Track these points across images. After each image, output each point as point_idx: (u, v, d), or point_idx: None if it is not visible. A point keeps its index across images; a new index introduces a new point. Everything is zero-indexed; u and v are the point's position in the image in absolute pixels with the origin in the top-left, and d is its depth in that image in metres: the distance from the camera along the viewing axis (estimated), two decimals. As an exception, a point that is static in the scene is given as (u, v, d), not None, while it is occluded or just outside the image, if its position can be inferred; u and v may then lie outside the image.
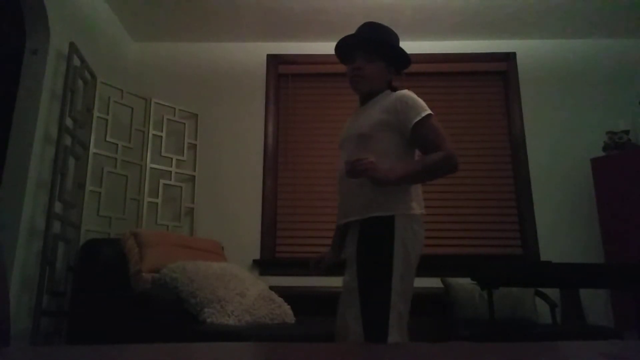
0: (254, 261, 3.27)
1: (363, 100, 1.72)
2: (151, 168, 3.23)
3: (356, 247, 1.52)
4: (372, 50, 1.66)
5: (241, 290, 2.30)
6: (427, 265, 3.28)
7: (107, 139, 3.00)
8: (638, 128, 3.38)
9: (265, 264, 3.30)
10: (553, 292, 3.07)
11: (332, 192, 3.46)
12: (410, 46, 3.73)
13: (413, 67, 3.73)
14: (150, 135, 3.26)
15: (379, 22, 1.88)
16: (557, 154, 3.47)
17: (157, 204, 3.23)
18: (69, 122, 2.74)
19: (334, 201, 3.46)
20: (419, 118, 1.57)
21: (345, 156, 1.61)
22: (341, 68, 3.68)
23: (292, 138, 3.61)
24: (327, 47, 3.66)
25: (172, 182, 3.34)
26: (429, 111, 1.59)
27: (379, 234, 1.51)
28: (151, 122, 3.28)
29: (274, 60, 3.65)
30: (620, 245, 2.95)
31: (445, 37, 3.68)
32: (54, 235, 2.56)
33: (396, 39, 1.77)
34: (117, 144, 3.06)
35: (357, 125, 1.62)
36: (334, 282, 3.13)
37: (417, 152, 1.67)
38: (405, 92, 1.63)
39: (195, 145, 3.54)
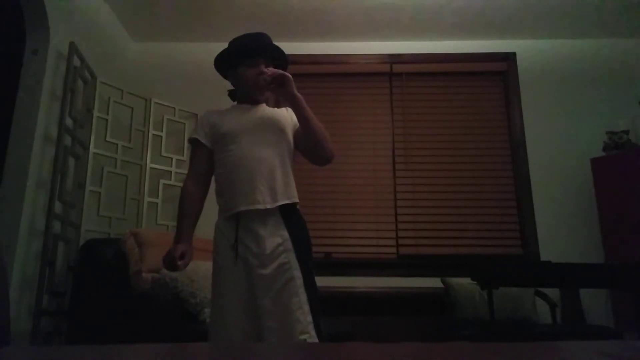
0: (254, 261, 3.26)
1: (249, 101, 1.74)
2: (151, 168, 3.23)
3: (288, 235, 1.52)
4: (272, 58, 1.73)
5: (241, 290, 2.30)
6: (427, 265, 3.31)
7: (107, 139, 3.00)
8: (638, 128, 3.37)
9: (265, 264, 3.30)
10: (553, 292, 3.07)
11: (329, 191, 3.46)
12: (410, 46, 3.73)
13: (413, 67, 3.75)
14: (150, 135, 3.26)
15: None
16: (557, 154, 3.46)
17: (157, 204, 3.23)
18: (69, 122, 2.74)
19: (331, 200, 3.46)
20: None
21: (257, 144, 1.60)
22: (341, 68, 3.69)
23: (292, 138, 3.61)
24: (327, 47, 3.66)
25: (172, 182, 3.34)
26: None
27: (299, 221, 1.59)
28: (151, 122, 3.28)
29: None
30: (620, 245, 2.95)
31: (445, 37, 3.68)
32: (54, 235, 2.56)
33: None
34: (117, 144, 3.06)
35: (274, 118, 1.67)
36: (335, 282, 3.12)
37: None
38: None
39: (195, 145, 3.54)
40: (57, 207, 2.60)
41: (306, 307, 1.46)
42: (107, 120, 3.02)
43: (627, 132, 3.21)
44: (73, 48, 2.76)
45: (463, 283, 2.93)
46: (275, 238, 1.52)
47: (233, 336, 1.44)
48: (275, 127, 1.64)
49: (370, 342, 0.62)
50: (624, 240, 2.93)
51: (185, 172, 3.42)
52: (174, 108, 3.46)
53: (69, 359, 0.55)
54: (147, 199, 3.16)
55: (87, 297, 2.43)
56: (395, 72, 3.71)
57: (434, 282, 3.10)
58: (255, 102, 1.71)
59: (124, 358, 0.55)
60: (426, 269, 3.27)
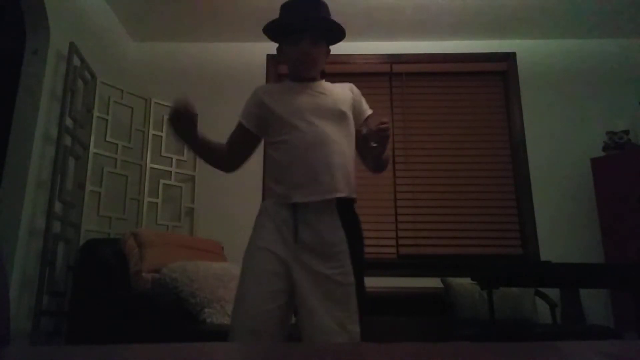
0: (254, 261, 3.26)
1: (300, 79, 1.57)
2: (151, 168, 3.23)
3: (344, 234, 1.40)
4: (319, 32, 1.55)
5: (241, 290, 2.30)
6: (427, 265, 3.30)
7: (107, 139, 3.00)
8: (638, 128, 3.37)
9: (265, 264, 3.30)
10: (553, 292, 3.07)
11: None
12: (410, 46, 3.73)
13: (413, 67, 3.75)
14: (150, 135, 3.26)
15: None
16: (557, 154, 3.46)
17: (157, 204, 3.23)
18: (69, 122, 2.74)
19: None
20: (371, 111, 1.61)
21: (315, 129, 1.43)
22: (341, 68, 3.68)
23: (292, 138, 3.61)
24: (327, 47, 3.66)
25: (172, 182, 3.34)
26: None
27: (355, 218, 1.48)
28: (151, 122, 3.28)
29: (274, 60, 3.65)
30: (620, 245, 2.95)
31: (445, 37, 3.68)
32: (54, 235, 2.56)
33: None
34: (117, 144, 3.06)
35: (334, 100, 1.51)
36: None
37: None
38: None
39: (195, 145, 3.54)
40: (57, 207, 2.60)
41: (355, 317, 1.37)
42: (107, 120, 3.02)
43: (627, 132, 3.21)
44: (73, 48, 2.76)
45: (463, 283, 2.93)
46: (331, 235, 1.39)
47: (257, 317, 1.32)
48: (338, 108, 1.49)
49: (371, 342, 0.62)
50: (624, 240, 2.93)
51: (186, 172, 3.44)
52: (174, 108, 3.45)
53: (69, 359, 0.55)
54: (147, 199, 3.16)
55: (87, 297, 2.42)
56: (395, 72, 3.71)
57: (434, 282, 3.10)
58: (309, 79, 1.55)
59: (124, 358, 0.55)
60: (426, 269, 3.26)
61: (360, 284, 1.42)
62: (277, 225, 1.40)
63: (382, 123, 1.32)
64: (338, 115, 1.48)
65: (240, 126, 1.55)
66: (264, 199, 1.57)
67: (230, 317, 1.39)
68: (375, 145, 1.35)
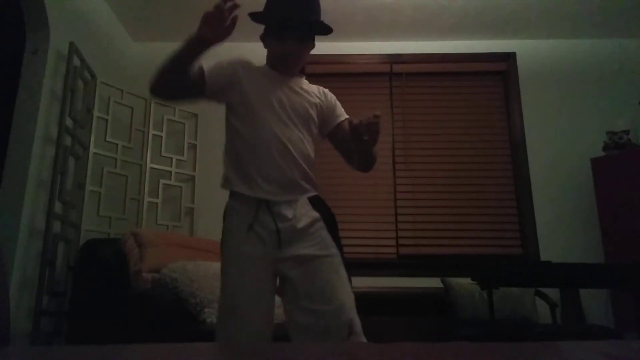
0: (254, 261, 3.26)
1: (284, 70, 1.52)
2: (151, 168, 3.23)
3: (319, 215, 1.41)
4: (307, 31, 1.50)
5: (241, 290, 2.30)
6: (427, 265, 3.30)
7: (107, 139, 3.00)
8: (638, 128, 3.37)
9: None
10: (553, 292, 3.07)
11: (329, 191, 3.46)
12: (410, 46, 3.73)
13: (413, 67, 3.75)
14: (150, 135, 3.26)
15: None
16: (557, 154, 3.46)
17: (157, 204, 3.23)
18: (69, 122, 2.74)
19: (331, 200, 3.45)
20: (347, 117, 1.57)
21: (283, 125, 1.42)
22: (341, 68, 3.68)
23: (292, 138, 3.61)
24: (327, 47, 3.65)
25: (172, 182, 3.34)
26: None
27: (325, 205, 1.47)
28: (151, 122, 3.28)
29: (274, 60, 3.65)
30: (620, 245, 2.95)
31: (445, 37, 3.68)
32: (54, 235, 2.56)
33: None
34: (117, 144, 3.06)
35: (304, 101, 1.49)
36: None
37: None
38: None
39: (195, 145, 3.54)
40: (57, 207, 2.60)
41: (348, 286, 1.35)
42: (107, 120, 3.02)
43: (627, 132, 3.21)
44: (73, 48, 2.76)
45: (463, 283, 2.93)
46: (306, 218, 1.38)
47: (254, 321, 1.31)
48: (307, 112, 1.48)
49: (370, 342, 0.62)
50: (624, 240, 2.93)
51: (186, 172, 3.44)
52: (174, 108, 3.46)
53: (69, 359, 0.55)
54: (147, 199, 3.16)
55: (87, 297, 2.43)
56: (395, 72, 3.71)
57: (434, 282, 3.10)
58: (288, 73, 1.52)
59: (124, 358, 0.55)
60: (426, 269, 3.27)
61: (344, 263, 1.40)
62: (250, 225, 1.36)
63: (375, 116, 1.29)
64: (307, 118, 1.47)
65: (199, 69, 1.45)
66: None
67: (217, 329, 1.34)
68: (365, 138, 1.32)
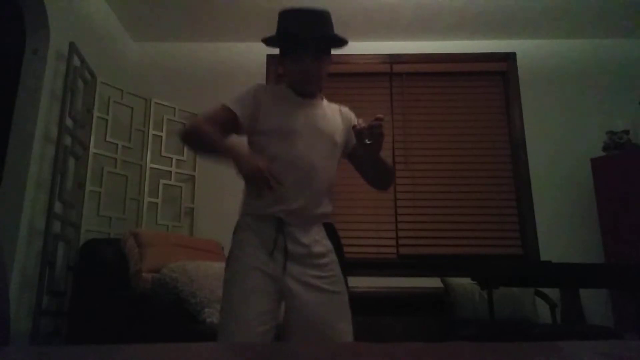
0: (254, 261, 3.26)
1: (305, 92, 1.51)
2: (151, 168, 3.23)
3: (332, 245, 1.42)
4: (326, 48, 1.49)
5: (241, 290, 2.30)
6: (427, 265, 3.30)
7: (107, 139, 3.00)
8: (638, 128, 3.37)
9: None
10: (553, 292, 3.07)
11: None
12: (410, 46, 3.73)
13: (413, 67, 3.75)
14: (150, 135, 3.26)
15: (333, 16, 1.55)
16: (557, 154, 3.46)
17: (157, 204, 3.23)
18: (69, 122, 2.74)
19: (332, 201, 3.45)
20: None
21: (310, 152, 1.41)
22: (341, 68, 3.68)
23: (292, 138, 3.61)
24: (327, 47, 3.65)
25: (172, 182, 3.34)
26: None
27: (336, 235, 1.48)
28: (151, 122, 3.28)
29: (273, 60, 3.65)
30: (620, 245, 2.95)
31: (445, 37, 3.68)
32: (54, 235, 2.56)
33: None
34: (117, 144, 3.06)
35: (329, 126, 1.48)
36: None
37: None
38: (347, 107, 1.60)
39: (195, 145, 3.53)
40: (57, 207, 2.60)
41: (350, 328, 1.36)
42: (107, 120, 3.02)
43: (627, 132, 3.21)
44: (73, 48, 2.76)
45: (463, 283, 2.93)
46: (320, 246, 1.39)
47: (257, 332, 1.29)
48: (332, 136, 1.47)
49: (370, 342, 0.62)
50: (624, 240, 2.93)
51: (186, 172, 3.44)
52: (174, 108, 3.46)
53: (69, 359, 0.55)
54: (147, 199, 3.16)
55: (87, 297, 2.43)
56: (395, 72, 3.71)
57: (434, 282, 3.10)
58: (309, 94, 1.50)
59: (124, 358, 0.55)
60: (426, 269, 3.27)
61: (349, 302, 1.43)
62: (263, 241, 1.36)
63: (377, 118, 1.28)
64: (332, 142, 1.46)
65: (228, 112, 1.42)
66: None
67: (219, 336, 1.33)
68: (369, 142, 1.31)
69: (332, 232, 1.46)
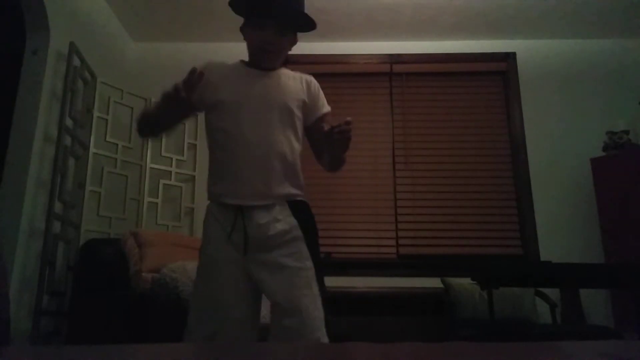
0: (254, 261, 3.26)
1: (257, 66, 1.45)
2: (151, 168, 3.23)
3: (296, 222, 1.35)
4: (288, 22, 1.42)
5: (241, 290, 2.30)
6: (427, 265, 3.30)
7: (107, 139, 3.00)
8: (638, 128, 3.37)
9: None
10: (553, 292, 3.07)
11: (328, 190, 3.46)
12: (410, 46, 3.73)
13: (413, 67, 3.75)
14: (150, 135, 3.26)
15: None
16: (557, 154, 3.46)
17: (157, 204, 3.23)
18: (69, 122, 2.74)
19: (331, 200, 3.45)
20: (328, 109, 1.52)
21: (259, 125, 1.36)
22: (341, 68, 3.68)
23: (292, 138, 3.61)
24: (327, 47, 3.65)
25: (172, 182, 3.34)
26: None
27: (307, 212, 1.41)
28: (151, 122, 3.27)
29: (274, 60, 3.65)
30: (620, 245, 2.95)
31: (445, 37, 3.68)
32: (54, 235, 2.56)
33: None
34: (117, 144, 3.06)
35: (281, 95, 1.41)
36: (335, 282, 3.12)
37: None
38: (310, 75, 1.52)
39: (195, 145, 3.54)
40: (57, 207, 2.60)
41: (319, 302, 1.31)
42: (107, 120, 3.02)
43: (627, 132, 3.21)
44: (73, 48, 2.76)
45: (463, 283, 2.93)
46: (281, 224, 1.33)
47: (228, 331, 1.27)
48: (285, 104, 1.40)
49: (370, 342, 0.62)
50: (624, 240, 2.93)
51: (186, 172, 3.44)
52: (174, 108, 3.45)
53: (69, 359, 0.55)
54: (147, 199, 3.16)
55: (87, 297, 2.43)
56: (395, 72, 3.71)
57: (434, 282, 3.10)
58: (265, 68, 1.43)
59: (124, 358, 0.55)
60: (426, 269, 3.26)
61: (319, 275, 1.36)
62: (225, 229, 1.33)
63: (346, 122, 1.26)
64: (286, 112, 1.40)
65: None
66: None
67: (188, 324, 1.31)
68: (337, 145, 1.30)
69: (304, 210, 1.40)
